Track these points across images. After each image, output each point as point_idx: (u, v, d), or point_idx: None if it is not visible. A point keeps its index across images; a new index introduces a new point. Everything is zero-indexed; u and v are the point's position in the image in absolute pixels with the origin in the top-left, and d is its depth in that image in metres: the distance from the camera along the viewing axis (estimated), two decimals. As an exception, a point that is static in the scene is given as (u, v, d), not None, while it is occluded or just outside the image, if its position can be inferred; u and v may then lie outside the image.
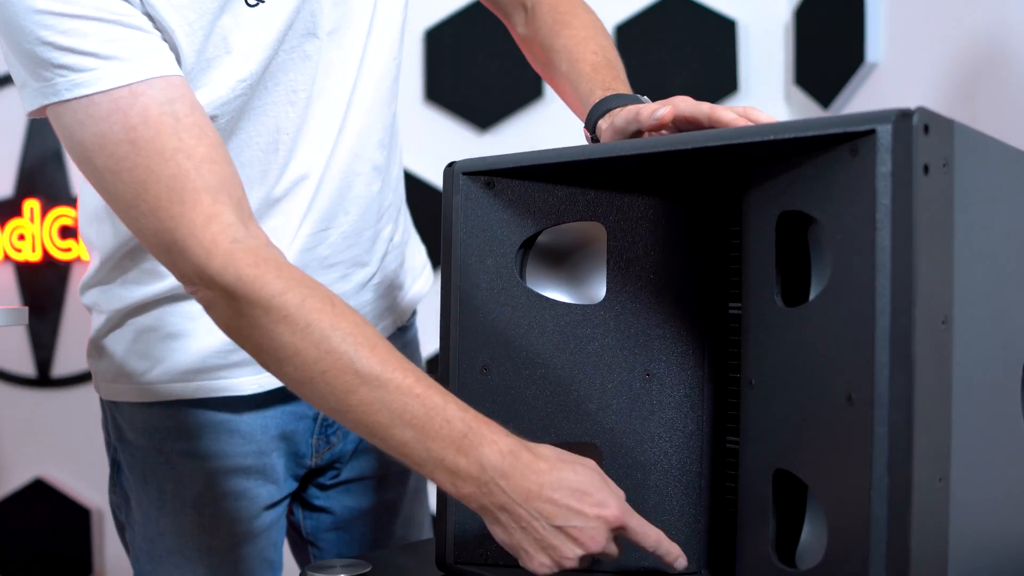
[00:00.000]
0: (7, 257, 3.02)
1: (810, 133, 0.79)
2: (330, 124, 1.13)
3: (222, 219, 0.92)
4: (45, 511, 3.05)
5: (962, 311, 0.77)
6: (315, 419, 1.24)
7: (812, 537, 0.85)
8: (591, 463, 0.89)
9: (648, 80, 2.61)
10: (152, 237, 0.95)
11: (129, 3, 0.94)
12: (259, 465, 1.21)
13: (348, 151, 1.16)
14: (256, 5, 1.02)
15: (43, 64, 0.91)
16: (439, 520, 1.02)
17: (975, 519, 0.80)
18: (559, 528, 0.86)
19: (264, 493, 1.23)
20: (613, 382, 0.99)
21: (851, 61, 2.30)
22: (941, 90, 2.05)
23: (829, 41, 2.42)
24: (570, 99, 1.18)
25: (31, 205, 3.00)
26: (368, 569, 1.06)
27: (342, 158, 1.15)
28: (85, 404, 2.97)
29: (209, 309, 0.96)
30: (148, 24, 0.96)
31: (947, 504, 0.76)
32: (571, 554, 0.86)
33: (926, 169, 0.73)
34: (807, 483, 0.82)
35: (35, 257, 3.01)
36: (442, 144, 2.68)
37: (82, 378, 3.05)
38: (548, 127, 2.63)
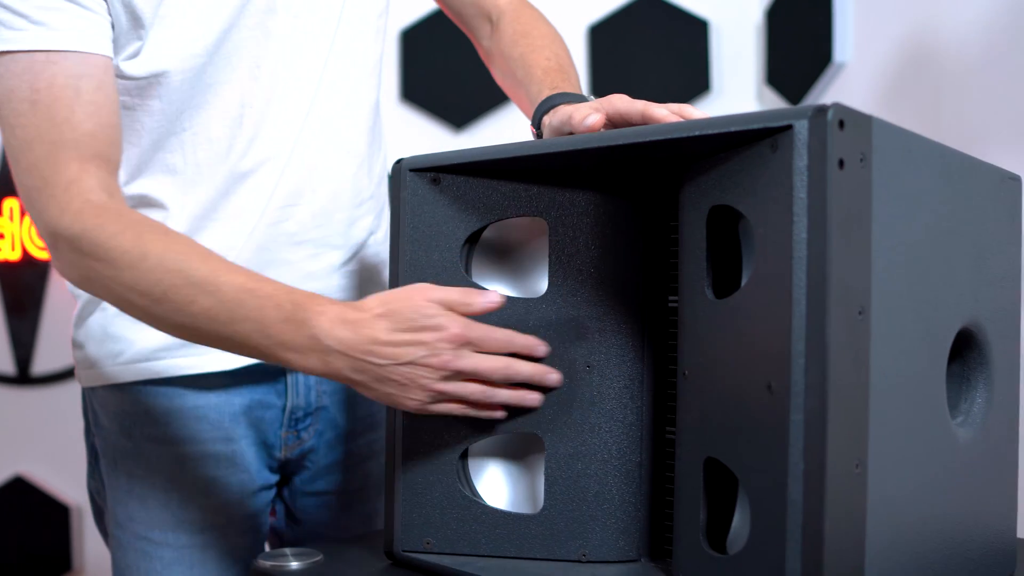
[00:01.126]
0: (-14, 256, 3.05)
1: (733, 128, 0.81)
2: (299, 102, 1.19)
3: (82, 184, 1.03)
4: (25, 508, 3.08)
5: (881, 302, 0.79)
6: (283, 410, 1.27)
7: (741, 523, 0.87)
8: (423, 292, 0.95)
9: (622, 80, 2.64)
10: (25, 191, 1.05)
11: None
12: (227, 452, 1.24)
13: (317, 130, 1.20)
14: None
15: None
16: (387, 510, 1.05)
17: (897, 506, 0.82)
18: (409, 363, 0.92)
19: (235, 481, 1.25)
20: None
21: (819, 61, 2.32)
22: (907, 89, 2.08)
23: (798, 41, 2.45)
24: (523, 103, 1.23)
25: (10, 205, 3.03)
26: (319, 558, 1.08)
27: (311, 137, 1.20)
28: (64, 402, 3.00)
29: (61, 267, 1.05)
30: (95, 2, 1.05)
31: (864, 490, 0.78)
32: (431, 382, 0.93)
33: (841, 163, 0.76)
34: (734, 471, 0.84)
35: (14, 256, 3.03)
36: (418, 143, 2.69)
37: (61, 376, 3.07)
38: (523, 126, 2.65)
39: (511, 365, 0.95)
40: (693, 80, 2.65)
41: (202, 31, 1.11)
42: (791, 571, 0.76)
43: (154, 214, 1.16)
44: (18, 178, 1.06)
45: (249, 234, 1.18)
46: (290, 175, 1.19)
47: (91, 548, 3.10)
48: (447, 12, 1.40)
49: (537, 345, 0.98)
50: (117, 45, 1.09)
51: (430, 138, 2.72)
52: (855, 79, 2.26)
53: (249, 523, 1.26)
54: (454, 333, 0.92)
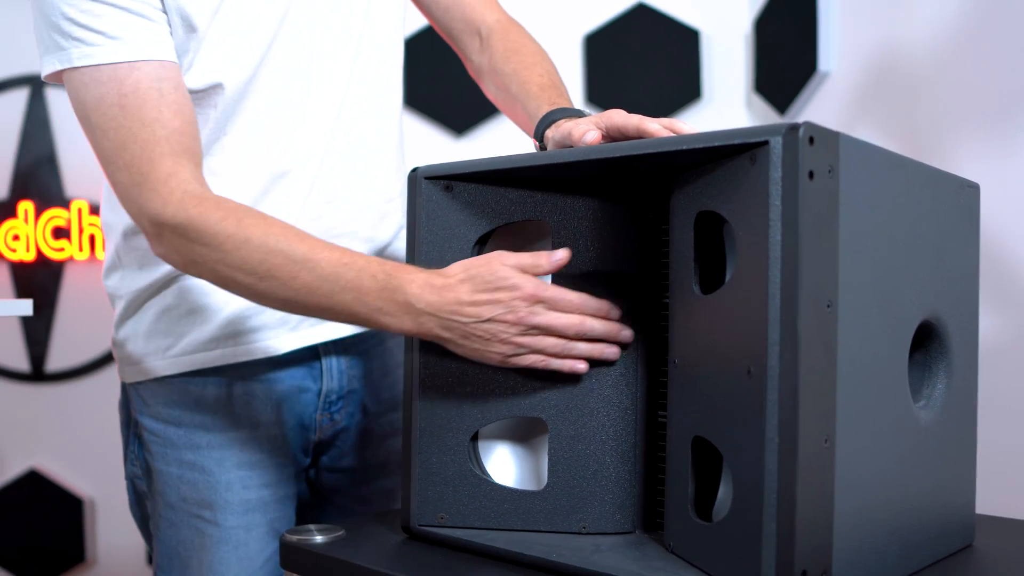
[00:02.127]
0: (2, 257, 3.12)
1: (717, 143, 0.91)
2: (330, 106, 1.30)
3: (179, 176, 1.14)
4: (39, 501, 3.15)
5: (847, 297, 0.89)
6: (318, 394, 1.37)
7: (725, 495, 0.98)
8: (499, 258, 1.05)
9: (616, 87, 2.73)
10: (123, 189, 1.16)
11: None
12: (270, 436, 1.34)
13: (348, 132, 1.32)
14: None
15: (64, 35, 1.14)
16: (403, 487, 1.14)
17: (863, 478, 0.92)
18: (489, 320, 1.03)
19: (276, 463, 1.35)
20: (557, 363, 1.11)
21: (805, 70, 2.42)
22: (887, 98, 2.17)
23: (785, 51, 2.54)
24: (519, 116, 1.32)
25: (25, 207, 3.11)
26: (341, 532, 1.17)
27: (343, 138, 1.32)
28: (77, 398, 3.08)
29: (167, 254, 1.16)
30: (157, 14, 1.17)
31: (832, 462, 0.88)
32: (510, 336, 1.04)
33: (811, 175, 0.86)
34: (718, 447, 0.94)
35: (29, 257, 3.11)
36: (420, 149, 2.79)
37: (74, 373, 3.15)
38: (519, 133, 2.74)
39: (584, 322, 1.05)
40: (684, 88, 2.74)
41: (249, 44, 1.22)
42: (767, 533, 0.86)
43: None
44: (114, 176, 1.17)
45: None
46: (325, 174, 1.30)
47: (104, 540, 3.18)
48: (436, 27, 1.50)
49: (610, 308, 1.07)
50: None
51: (431, 144, 2.81)
52: (838, 87, 2.35)
53: (287, 503, 1.36)
54: (528, 292, 1.03)
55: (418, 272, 1.07)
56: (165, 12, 1.18)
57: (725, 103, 2.76)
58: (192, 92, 1.22)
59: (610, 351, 1.08)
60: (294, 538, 1.16)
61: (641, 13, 2.74)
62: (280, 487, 1.35)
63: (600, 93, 2.71)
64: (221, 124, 1.25)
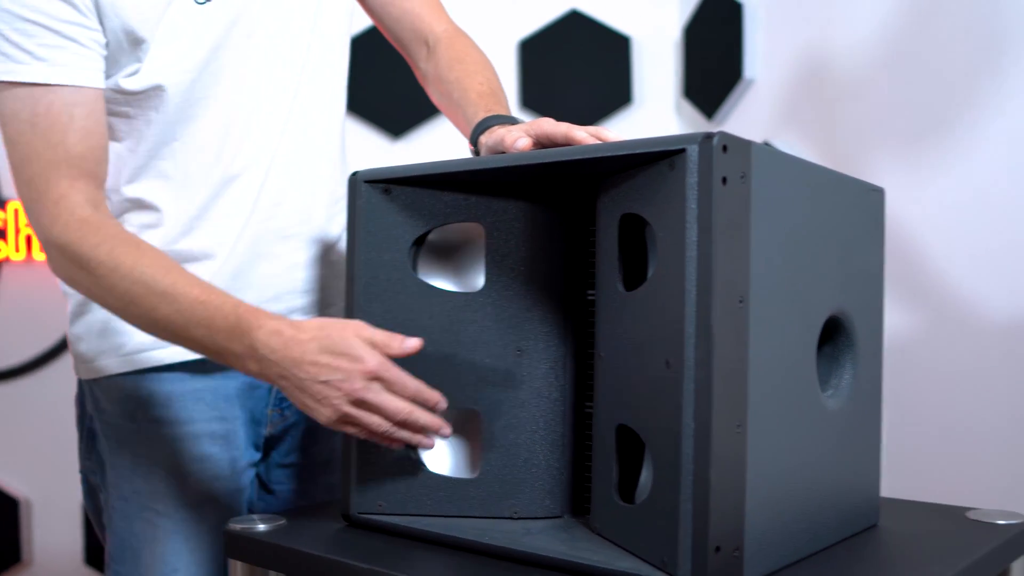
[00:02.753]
0: (-63, 258, 3.10)
1: (639, 151, 0.98)
2: (277, 113, 1.35)
3: (70, 199, 1.20)
4: (-26, 502, 3.13)
5: (758, 292, 0.96)
6: (269, 390, 1.42)
7: (646, 479, 1.04)
8: (355, 328, 1.09)
9: (549, 92, 2.80)
10: (24, 201, 1.24)
11: (80, 12, 1.19)
12: (222, 431, 1.38)
13: (296, 136, 1.37)
14: (204, 4, 1.26)
15: None
16: (343, 475, 1.19)
17: (774, 461, 0.99)
18: (325, 382, 1.07)
19: (227, 458, 1.39)
20: (490, 357, 1.17)
21: (731, 77, 2.50)
22: (810, 105, 2.26)
23: (713, 58, 2.63)
24: (459, 122, 1.38)
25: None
26: (283, 522, 1.22)
27: (291, 142, 1.37)
28: (13, 399, 3.07)
29: (53, 268, 1.23)
30: (90, 39, 1.21)
31: (745, 446, 0.95)
32: (339, 404, 1.08)
33: (724, 180, 0.92)
34: (640, 434, 1.01)
35: (-34, 257, 3.09)
36: (357, 151, 2.82)
37: (10, 374, 3.14)
38: (455, 136, 2.79)
39: (413, 412, 1.09)
40: (616, 92, 2.81)
41: (192, 49, 1.27)
42: (684, 513, 0.92)
43: (148, 216, 1.31)
44: (18, 188, 1.23)
45: (241, 231, 1.33)
46: (274, 177, 1.35)
47: (40, 540, 3.18)
48: (386, 35, 1.56)
49: (440, 401, 1.11)
50: (117, 65, 1.24)
51: (368, 146, 2.85)
52: (763, 94, 2.44)
53: (237, 497, 1.40)
54: (369, 368, 1.07)
55: (270, 319, 1.12)
56: (105, 34, 1.22)
57: (655, 108, 2.84)
58: (133, 94, 1.26)
59: (427, 442, 1.12)
60: (237, 527, 1.20)
61: (574, 20, 2.80)
62: (231, 480, 1.39)
63: (534, 97, 2.77)
64: (170, 128, 1.29)
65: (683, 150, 0.94)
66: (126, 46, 1.24)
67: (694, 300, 0.93)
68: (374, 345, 1.08)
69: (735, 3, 2.47)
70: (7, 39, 1.18)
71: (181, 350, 1.32)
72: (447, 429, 1.12)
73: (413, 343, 1.10)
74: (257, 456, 1.44)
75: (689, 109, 2.76)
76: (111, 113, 1.28)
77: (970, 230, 1.79)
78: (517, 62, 2.80)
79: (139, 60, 1.25)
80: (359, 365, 1.07)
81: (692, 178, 0.93)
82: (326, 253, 1.42)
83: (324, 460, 1.49)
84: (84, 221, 1.19)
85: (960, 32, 1.82)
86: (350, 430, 1.11)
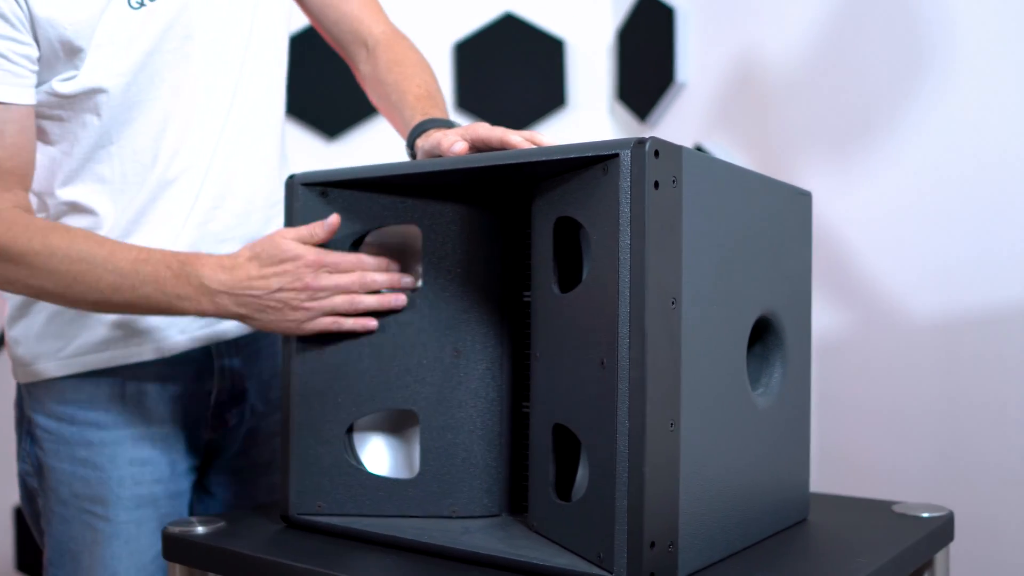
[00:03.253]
0: None
1: (573, 155, 1.00)
2: (216, 116, 1.36)
3: None
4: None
5: (690, 294, 0.99)
6: (210, 395, 1.42)
7: (582, 477, 1.06)
8: (280, 234, 1.16)
9: (484, 93, 2.81)
10: None
11: (12, 27, 1.18)
12: (162, 434, 1.38)
13: (234, 141, 1.38)
14: (139, 8, 1.26)
15: None
16: (282, 477, 1.20)
17: (706, 458, 1.02)
18: (278, 290, 1.14)
19: (166, 460, 1.39)
20: (428, 358, 1.18)
21: (664, 80, 2.53)
22: (741, 109, 2.30)
23: (646, 62, 2.65)
24: (397, 124, 1.40)
25: None
26: (222, 523, 1.23)
27: (228, 146, 1.38)
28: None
29: None
30: (20, 56, 1.20)
31: (678, 444, 0.97)
32: (300, 302, 1.14)
33: (656, 184, 0.95)
34: (576, 433, 1.03)
35: None
36: (293, 152, 2.82)
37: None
38: (392, 137, 2.79)
39: (364, 276, 1.16)
40: (550, 95, 2.83)
41: (127, 53, 1.26)
42: (619, 508, 0.95)
43: (85, 219, 1.30)
44: None
45: (178, 234, 1.33)
46: (212, 181, 1.35)
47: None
48: (325, 37, 1.57)
49: (388, 263, 1.18)
50: (52, 71, 1.24)
51: (304, 147, 2.85)
52: (695, 98, 2.47)
53: (178, 499, 1.40)
54: (311, 259, 1.14)
55: (209, 257, 1.18)
56: (39, 46, 1.22)
57: (589, 110, 2.86)
58: (70, 97, 1.26)
59: (396, 300, 1.17)
60: (176, 530, 1.21)
61: (508, 23, 2.82)
62: (171, 483, 1.38)
63: (469, 99, 2.78)
64: (107, 131, 1.28)
65: (616, 155, 0.96)
66: (62, 55, 1.23)
67: (628, 301, 0.95)
68: (303, 240, 1.15)
69: (667, 7, 2.50)
70: None
71: (120, 354, 1.32)
72: (407, 278, 1.19)
73: (333, 219, 1.16)
74: (198, 460, 1.44)
75: (623, 112, 2.79)
76: (43, 116, 1.28)
77: (896, 231, 1.84)
78: (452, 64, 2.81)
79: (75, 67, 1.24)
80: (301, 260, 1.14)
81: (625, 182, 0.95)
82: None
83: (265, 462, 1.50)
84: (11, 220, 1.21)
85: (886, 37, 1.87)
86: (321, 325, 1.16)
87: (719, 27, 2.38)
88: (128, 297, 1.18)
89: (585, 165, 1.00)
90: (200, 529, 1.21)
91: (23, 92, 1.23)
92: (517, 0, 2.83)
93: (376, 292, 1.17)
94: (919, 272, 1.79)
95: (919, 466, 1.79)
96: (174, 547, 1.21)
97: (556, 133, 2.66)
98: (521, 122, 2.77)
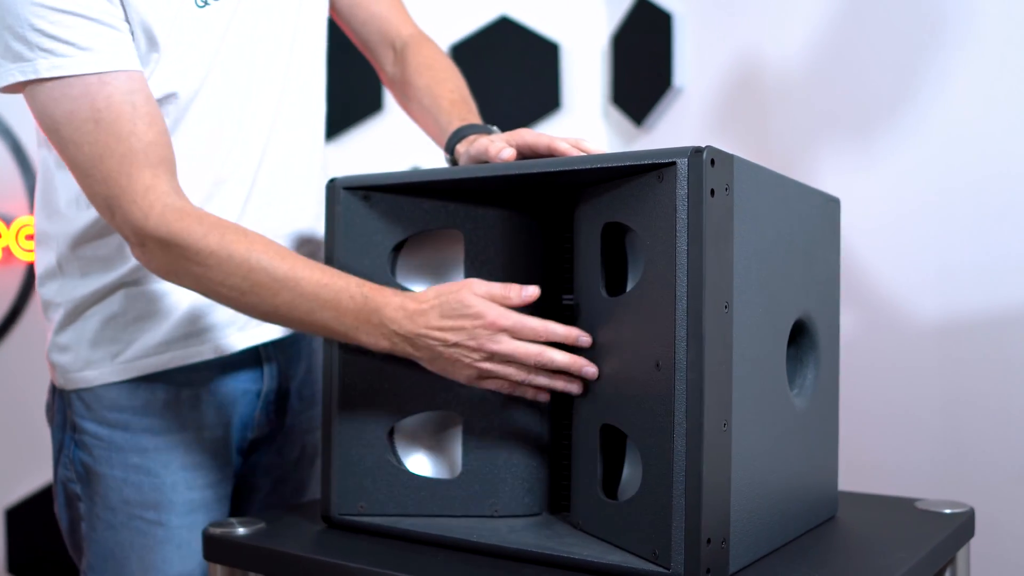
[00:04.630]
0: None
1: (627, 163, 1.02)
2: (266, 113, 1.36)
3: (158, 189, 1.17)
4: None
5: (740, 298, 1.02)
6: (258, 394, 1.42)
7: (631, 475, 1.09)
8: (469, 287, 1.11)
9: (480, 97, 2.82)
10: (102, 201, 1.18)
11: (110, 3, 1.17)
12: (214, 438, 1.39)
13: (281, 139, 1.38)
14: (203, 7, 1.26)
15: (29, 46, 1.14)
16: (324, 478, 1.21)
17: (752, 457, 1.05)
18: (454, 345, 1.10)
19: (217, 464, 1.39)
20: (470, 361, 1.20)
21: (660, 85, 2.56)
22: (739, 114, 2.34)
23: (642, 66, 2.68)
24: (431, 128, 1.41)
25: None
26: (262, 524, 1.24)
27: (277, 144, 1.38)
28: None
29: (148, 262, 1.19)
30: (123, 25, 1.19)
31: (730, 443, 1.00)
32: (473, 361, 1.11)
33: (712, 192, 0.98)
34: (627, 433, 1.05)
35: None
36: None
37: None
38: (386, 138, 2.81)
39: (544, 352, 1.10)
40: (545, 98, 2.85)
41: (202, 54, 1.27)
42: (677, 507, 0.97)
43: None
44: (92, 188, 1.19)
45: None
46: (262, 180, 1.36)
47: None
48: (352, 37, 1.58)
49: (579, 335, 1.11)
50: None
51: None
52: (692, 102, 2.51)
53: (225, 502, 1.41)
54: (490, 320, 1.09)
55: (393, 295, 1.13)
56: (129, 23, 1.20)
57: (583, 114, 2.89)
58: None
59: (572, 387, 1.13)
60: (217, 531, 1.22)
61: (504, 26, 2.84)
62: (220, 487, 1.39)
63: (465, 102, 2.81)
64: (171, 131, 1.28)
65: (673, 163, 0.99)
66: (144, 46, 1.22)
67: (685, 305, 0.97)
68: (492, 298, 1.11)
69: (664, 12, 2.53)
70: (45, 33, 1.14)
71: (180, 355, 1.32)
72: (591, 368, 1.10)
73: (532, 290, 1.12)
74: (243, 461, 1.45)
75: (617, 115, 2.81)
76: None
77: (899, 233, 1.88)
78: (447, 66, 2.83)
79: (153, 63, 1.23)
80: (480, 320, 1.09)
81: (682, 190, 0.98)
82: (316, 253, 1.44)
83: (295, 459, 1.51)
84: (182, 211, 1.16)
85: (884, 41, 1.91)
86: (492, 386, 1.14)
87: (715, 32, 2.42)
88: (305, 319, 1.15)
89: (639, 172, 1.03)
90: (241, 530, 1.22)
91: (135, 58, 1.20)
92: (513, 3, 2.85)
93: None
94: (921, 273, 1.83)
95: (924, 464, 1.83)
96: (216, 548, 1.22)
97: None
98: (516, 125, 2.78)
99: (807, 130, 2.10)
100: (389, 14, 1.54)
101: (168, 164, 1.20)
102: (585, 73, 2.90)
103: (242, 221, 1.34)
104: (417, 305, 1.12)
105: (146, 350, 1.33)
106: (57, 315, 1.37)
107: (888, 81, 1.90)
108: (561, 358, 1.10)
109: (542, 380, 1.12)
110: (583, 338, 1.11)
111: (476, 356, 1.10)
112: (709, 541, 0.97)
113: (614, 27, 2.82)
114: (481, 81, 2.88)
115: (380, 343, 1.13)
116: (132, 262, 1.30)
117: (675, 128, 2.54)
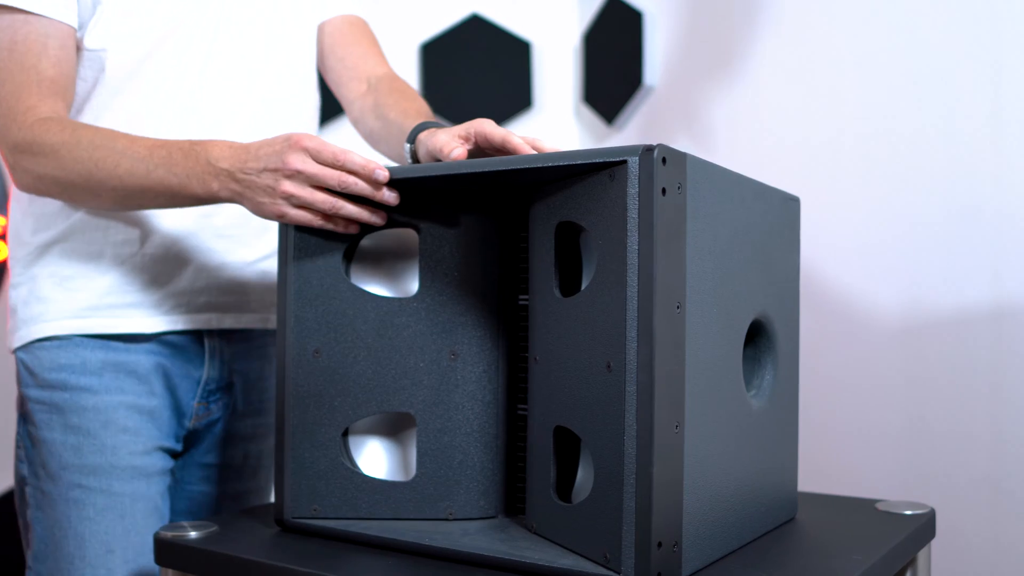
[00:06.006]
0: None
1: (579, 162, 1.01)
2: (238, 117, 1.41)
3: (37, 109, 1.29)
4: None
5: (693, 298, 1.01)
6: (198, 381, 1.44)
7: (584, 478, 1.08)
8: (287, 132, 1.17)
9: (451, 95, 2.81)
10: None
11: None
12: (150, 407, 1.40)
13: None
14: None
15: None
16: (277, 481, 1.20)
17: (707, 459, 1.04)
18: (264, 169, 1.14)
19: (155, 434, 1.40)
20: (425, 361, 1.19)
21: (631, 84, 2.55)
22: (706, 112, 2.33)
23: (613, 65, 2.68)
24: (392, 134, 1.44)
25: None
26: (214, 528, 1.22)
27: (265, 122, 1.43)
28: None
29: (19, 179, 1.31)
30: None
31: (682, 445, 0.99)
32: (278, 179, 1.13)
33: (664, 191, 0.96)
34: (579, 435, 1.04)
35: None
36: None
37: None
38: (347, 142, 2.80)
39: (344, 176, 1.13)
40: (516, 97, 2.85)
41: (141, 18, 1.35)
42: (627, 510, 0.96)
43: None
44: None
45: (181, 220, 1.37)
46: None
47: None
48: (323, 71, 1.61)
49: (376, 168, 1.13)
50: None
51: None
52: (663, 102, 2.50)
53: (164, 480, 1.41)
54: (294, 140, 1.13)
55: (219, 141, 1.20)
56: None
57: (554, 112, 2.88)
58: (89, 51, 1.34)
59: (375, 217, 1.16)
60: (169, 535, 1.20)
61: (475, 24, 2.83)
62: (159, 458, 1.40)
63: (436, 100, 2.79)
64: (107, 99, 1.36)
65: (624, 161, 0.97)
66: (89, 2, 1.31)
67: (635, 306, 0.96)
68: (315, 145, 1.14)
69: (635, 10, 2.53)
70: None
71: (107, 323, 1.36)
72: (382, 171, 1.13)
73: (379, 166, 1.14)
74: (179, 448, 1.44)
75: (589, 114, 2.81)
76: None
77: (861, 235, 1.88)
78: (419, 65, 2.81)
79: (96, 16, 1.32)
80: (287, 142, 1.13)
81: (633, 188, 0.97)
82: (257, 260, 1.43)
83: (237, 465, 1.51)
84: (47, 119, 1.27)
85: (851, 38, 1.91)
86: (302, 216, 1.15)
87: (686, 31, 2.41)
88: (143, 183, 1.22)
89: (591, 171, 1.02)
90: (193, 534, 1.20)
91: (67, 13, 1.30)
92: (484, 1, 2.84)
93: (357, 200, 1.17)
94: (884, 275, 1.83)
95: (886, 466, 1.83)
96: (167, 552, 1.20)
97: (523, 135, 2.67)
98: (487, 124, 2.78)
99: (775, 130, 2.09)
100: (368, 53, 1.58)
101: (60, 98, 1.31)
102: (557, 72, 2.89)
103: (191, 211, 1.38)
104: (242, 144, 1.18)
105: (85, 309, 1.36)
106: (13, 273, 1.41)
107: (853, 79, 1.90)
108: (361, 185, 1.13)
109: (350, 209, 1.15)
110: (379, 171, 1.13)
111: (280, 175, 1.13)
112: (660, 544, 0.96)
113: (585, 25, 2.81)
114: (452, 80, 2.87)
115: (210, 185, 1.18)
116: (72, 218, 1.37)
117: (646, 127, 2.53)
